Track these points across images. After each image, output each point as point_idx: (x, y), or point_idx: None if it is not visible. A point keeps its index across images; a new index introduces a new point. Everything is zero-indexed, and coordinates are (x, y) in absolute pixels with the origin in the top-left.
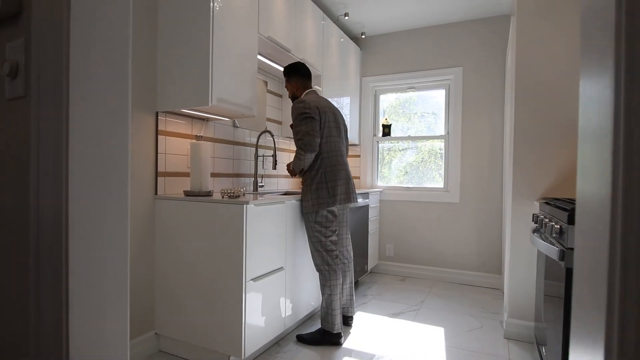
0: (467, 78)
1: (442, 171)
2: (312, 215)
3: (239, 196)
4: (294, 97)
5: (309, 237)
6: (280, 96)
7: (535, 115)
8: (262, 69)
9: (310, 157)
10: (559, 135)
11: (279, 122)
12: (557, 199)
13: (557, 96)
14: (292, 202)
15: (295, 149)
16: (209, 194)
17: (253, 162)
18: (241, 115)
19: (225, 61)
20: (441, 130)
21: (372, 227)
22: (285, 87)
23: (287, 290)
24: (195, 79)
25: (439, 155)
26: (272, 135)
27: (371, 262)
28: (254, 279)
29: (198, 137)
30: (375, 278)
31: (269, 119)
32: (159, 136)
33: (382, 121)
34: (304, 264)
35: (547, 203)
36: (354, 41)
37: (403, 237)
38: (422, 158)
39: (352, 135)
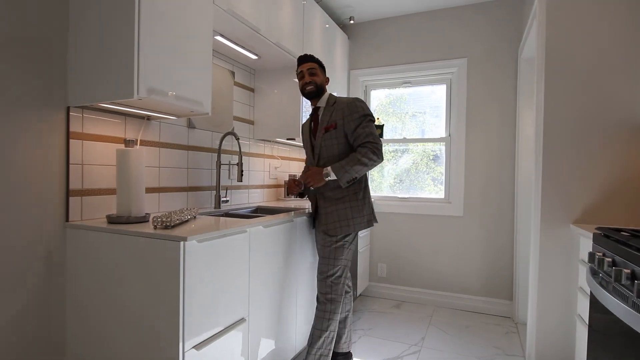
0: (473, 71)
1: (436, 175)
2: (352, 236)
3: (177, 225)
4: (317, 91)
5: (335, 263)
6: (252, 90)
7: (571, 113)
8: (228, 55)
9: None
10: (603, 138)
11: (250, 122)
12: (620, 230)
13: (600, 88)
14: (258, 228)
15: (304, 157)
16: (143, 219)
17: (215, 172)
18: (189, 112)
19: (161, 38)
20: (441, 132)
21: (362, 244)
22: (313, 72)
23: (252, 349)
24: (115, 62)
25: (431, 157)
26: (237, 138)
27: (361, 284)
28: (199, 346)
29: (128, 142)
30: (366, 303)
31: (237, 118)
32: (71, 140)
33: None
34: (278, 306)
35: (606, 236)
36: (341, 28)
37: (398, 255)
38: (414, 160)
39: None
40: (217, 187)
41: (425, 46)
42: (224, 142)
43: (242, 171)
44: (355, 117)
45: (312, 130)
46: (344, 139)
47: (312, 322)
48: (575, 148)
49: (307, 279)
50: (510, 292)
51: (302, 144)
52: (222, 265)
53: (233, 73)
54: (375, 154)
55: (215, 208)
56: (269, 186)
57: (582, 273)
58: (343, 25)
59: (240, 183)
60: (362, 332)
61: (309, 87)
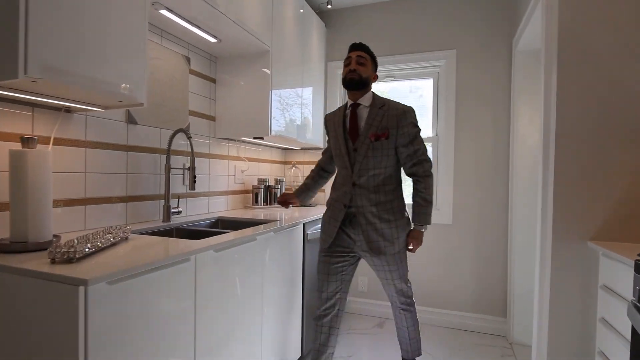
0: (463, 64)
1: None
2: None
3: (89, 254)
4: (359, 83)
5: (405, 269)
6: (213, 81)
7: (588, 112)
8: (182, 37)
9: None
10: (626, 141)
11: (211, 118)
12: None
13: (622, 82)
14: (207, 255)
15: (338, 168)
16: (46, 245)
17: (164, 177)
18: (116, 102)
19: None
20: (427, 132)
21: None
22: (362, 61)
23: None
24: None
25: None
26: (189, 137)
27: None
28: None
29: (27, 141)
30: (346, 322)
31: (194, 113)
32: None
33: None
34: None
35: None
36: (317, 14)
37: None
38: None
39: (315, 137)
40: (166, 196)
41: (410, 36)
42: (179, 141)
43: (194, 177)
44: (410, 129)
45: (346, 129)
46: (393, 152)
47: (406, 332)
48: (593, 152)
49: (276, 313)
50: (503, 309)
51: (272, 143)
52: (153, 312)
53: (188, 59)
54: (432, 177)
55: (164, 221)
56: (234, 192)
57: (604, 301)
58: (320, 11)
59: (196, 191)
60: None
61: (351, 75)
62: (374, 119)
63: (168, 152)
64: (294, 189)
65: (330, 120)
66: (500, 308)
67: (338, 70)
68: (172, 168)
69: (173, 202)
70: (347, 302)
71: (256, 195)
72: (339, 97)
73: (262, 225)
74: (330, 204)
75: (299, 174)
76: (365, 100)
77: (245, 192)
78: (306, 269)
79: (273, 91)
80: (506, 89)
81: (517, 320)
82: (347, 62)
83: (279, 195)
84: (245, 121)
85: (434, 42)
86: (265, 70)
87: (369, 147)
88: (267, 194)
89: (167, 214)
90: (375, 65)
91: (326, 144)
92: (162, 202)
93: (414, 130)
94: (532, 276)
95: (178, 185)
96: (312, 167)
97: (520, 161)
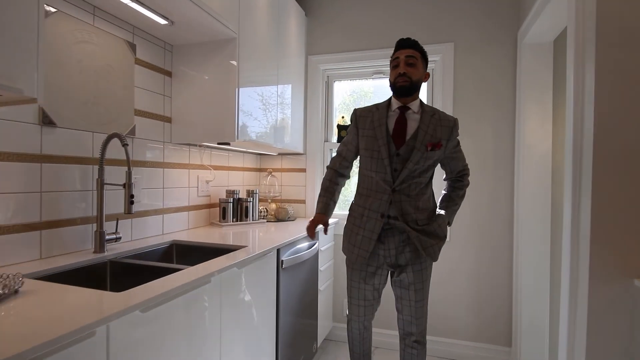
0: (461, 59)
1: None
2: None
3: None
4: (410, 89)
5: (428, 288)
6: (169, 74)
7: (638, 114)
8: (123, 18)
9: None
10: None
11: (166, 119)
12: None
13: None
14: (129, 318)
15: (366, 172)
16: None
17: (95, 194)
18: None
19: None
20: None
21: (324, 280)
22: (412, 62)
23: None
24: None
25: None
26: (124, 144)
27: (323, 327)
28: None
29: None
30: (331, 352)
31: (142, 113)
32: None
33: (337, 120)
34: None
35: None
36: (297, 0)
37: None
38: None
39: (295, 141)
40: (99, 219)
41: (402, 28)
42: (118, 148)
43: (131, 197)
44: (457, 139)
45: (389, 132)
46: (437, 162)
47: None
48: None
49: None
50: (508, 337)
51: (242, 149)
52: None
53: (133, 46)
54: (469, 183)
55: (95, 252)
56: (197, 207)
57: None
58: None
59: (145, 209)
60: None
61: (401, 81)
62: (428, 126)
63: (101, 163)
64: (276, 212)
65: (363, 117)
66: (504, 337)
67: (320, 65)
68: (107, 184)
69: (110, 226)
70: (331, 328)
71: (224, 210)
72: (321, 96)
73: (224, 257)
74: (359, 212)
75: (276, 183)
76: (414, 106)
77: (212, 206)
78: (281, 306)
79: (242, 89)
80: (510, 88)
81: (525, 349)
82: (395, 64)
83: (255, 207)
84: (208, 124)
85: (428, 34)
86: (232, 62)
87: (422, 156)
88: (238, 208)
89: (100, 242)
90: (426, 62)
91: (343, 145)
92: (94, 226)
93: (458, 140)
94: (543, 302)
95: (119, 203)
96: (291, 175)
97: (528, 172)
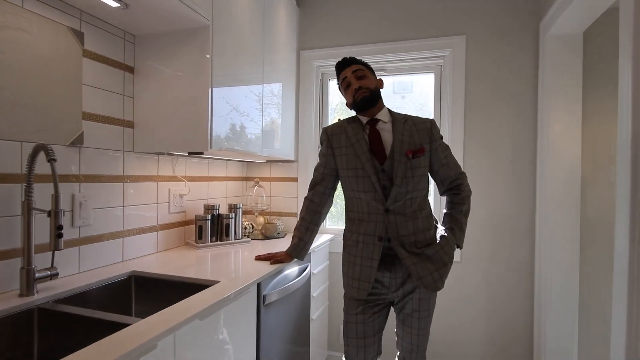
0: (474, 53)
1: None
2: None
3: None
4: (372, 97)
5: (432, 315)
6: (130, 70)
7: None
8: (66, 1)
9: None
10: None
11: (127, 124)
12: None
13: None
14: None
15: (354, 193)
16: None
17: (21, 221)
18: None
19: None
20: None
21: (318, 306)
22: (361, 74)
23: None
24: None
25: None
26: (50, 158)
27: (316, 356)
28: None
29: None
30: None
31: (93, 117)
32: None
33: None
34: None
35: None
36: None
37: None
38: None
39: (284, 147)
40: (26, 252)
41: (407, 19)
42: (69, 159)
43: (59, 228)
44: (442, 142)
45: (371, 149)
46: (427, 170)
47: None
48: None
49: None
50: None
51: (222, 157)
52: None
53: (80, 35)
54: (470, 192)
55: (22, 295)
56: (169, 226)
57: None
58: None
59: (98, 233)
60: None
61: (360, 94)
62: (402, 134)
63: (28, 181)
64: (263, 229)
65: (337, 135)
66: None
67: (314, 61)
68: (38, 209)
69: (45, 259)
70: (327, 357)
71: (200, 229)
72: (315, 96)
73: (193, 297)
74: (353, 240)
75: (263, 194)
76: (383, 116)
77: (187, 223)
78: (263, 352)
79: (218, 89)
80: (531, 86)
81: None
82: (346, 85)
83: (238, 224)
84: (177, 130)
85: (436, 26)
86: (205, 55)
87: (407, 167)
88: (217, 225)
89: (28, 282)
90: (373, 71)
91: (316, 171)
92: (21, 261)
93: (445, 144)
94: (571, 328)
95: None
96: (281, 184)
97: (552, 182)
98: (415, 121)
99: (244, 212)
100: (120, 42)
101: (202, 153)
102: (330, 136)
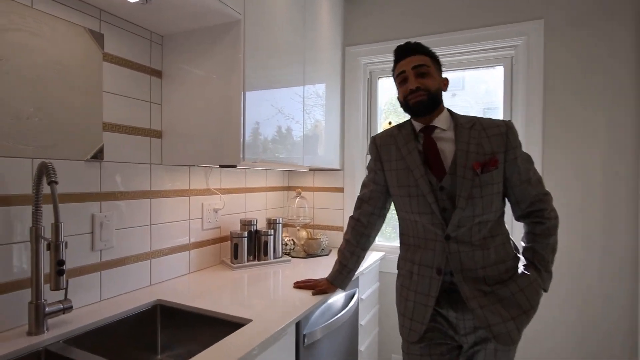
0: (554, 41)
1: None
2: None
3: None
4: (430, 104)
5: None
6: (158, 74)
7: None
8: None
9: None
10: None
11: (155, 134)
12: None
13: None
14: None
15: (408, 215)
16: None
17: (30, 248)
18: None
19: None
20: None
21: (365, 336)
22: (424, 71)
23: None
24: None
25: None
26: (51, 180)
27: None
28: None
29: None
30: None
31: (112, 127)
32: None
33: (382, 126)
34: None
35: None
36: None
37: None
38: None
39: (329, 154)
40: (34, 283)
41: (469, 4)
42: (85, 176)
43: (59, 263)
44: (521, 151)
45: (427, 162)
46: (502, 187)
47: None
48: None
49: None
50: None
51: (259, 167)
52: None
53: (99, 37)
54: (557, 219)
55: (30, 334)
56: (203, 244)
57: None
58: None
59: (123, 255)
60: None
61: (416, 98)
62: (468, 142)
63: (36, 204)
64: (305, 245)
65: (386, 146)
66: None
67: (361, 58)
68: (45, 238)
69: (54, 292)
70: None
71: (236, 247)
72: (363, 97)
73: (222, 343)
74: (407, 270)
75: (306, 205)
76: (442, 121)
77: (223, 239)
78: None
79: (251, 92)
80: (633, 79)
81: None
82: (402, 79)
83: (277, 241)
84: (207, 139)
85: (506, 11)
86: (235, 54)
87: (474, 184)
88: (255, 243)
89: (37, 318)
90: (439, 67)
91: (364, 187)
92: (29, 294)
93: (526, 155)
94: None
95: (79, 251)
96: (325, 195)
97: None
98: (485, 124)
99: (285, 225)
100: (146, 43)
101: (234, 166)
102: (379, 147)
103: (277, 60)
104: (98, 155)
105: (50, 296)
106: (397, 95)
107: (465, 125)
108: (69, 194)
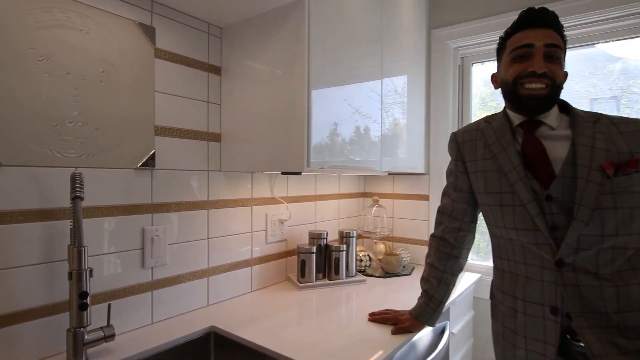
0: None
1: None
2: None
3: None
4: (550, 98)
5: None
6: (216, 71)
7: None
8: None
9: None
10: None
11: (212, 137)
12: None
13: None
14: None
15: (503, 231)
16: None
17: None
18: None
19: None
20: None
21: None
22: (554, 54)
23: None
24: None
25: None
26: (77, 195)
27: None
28: None
29: None
30: None
31: (165, 131)
32: None
33: (466, 125)
34: None
35: None
36: None
37: None
38: None
39: (411, 156)
40: (73, 309)
41: None
42: (133, 188)
43: (82, 296)
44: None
45: (527, 165)
46: None
47: None
48: None
49: None
50: None
51: (329, 172)
52: None
53: (151, 31)
54: None
55: None
56: (266, 259)
57: None
58: None
59: (176, 273)
60: None
61: (537, 85)
62: (593, 138)
63: (75, 219)
64: (383, 262)
65: (470, 143)
66: None
67: (451, 42)
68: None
69: (100, 313)
70: None
71: (303, 264)
72: (453, 88)
73: None
74: (508, 307)
75: (384, 215)
76: (551, 118)
77: (290, 253)
78: None
79: (318, 90)
80: None
81: None
82: (522, 54)
83: (351, 258)
84: (268, 142)
85: None
86: (298, 42)
87: (602, 190)
88: (325, 259)
89: (76, 348)
90: (565, 52)
91: (445, 197)
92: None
93: None
94: None
95: (128, 269)
96: (407, 203)
97: None
98: (616, 121)
99: (359, 236)
100: (203, 37)
101: (299, 173)
102: (461, 144)
103: (348, 48)
104: (149, 163)
105: (94, 320)
106: (497, 75)
107: (587, 118)
108: (116, 206)
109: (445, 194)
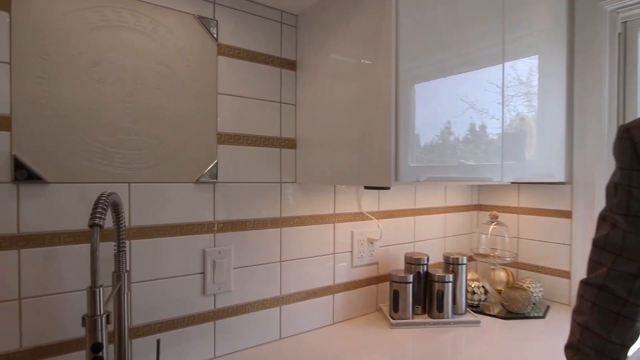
0: None
1: None
2: None
3: None
4: None
5: None
6: (291, 66)
7: None
8: None
9: None
10: None
11: (287, 143)
12: None
13: None
14: None
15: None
16: None
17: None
18: None
19: None
20: None
21: None
22: None
23: None
24: None
25: None
26: (95, 223)
27: None
28: None
29: None
30: None
31: (229, 138)
32: None
33: None
34: None
35: None
36: None
37: None
38: None
39: (544, 159)
40: (117, 340)
41: None
42: (200, 199)
43: (95, 349)
44: None
45: None
46: None
47: None
48: None
49: None
50: None
51: (461, 183)
52: None
53: (213, 24)
54: None
55: None
56: (352, 285)
57: None
58: None
59: (244, 298)
60: None
61: None
62: None
63: (91, 252)
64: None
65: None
66: None
67: (607, 5)
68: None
69: (148, 346)
70: None
71: (396, 295)
72: (610, 67)
73: None
74: None
75: (506, 235)
76: None
77: (381, 279)
78: None
79: (411, 82)
80: None
81: None
82: None
83: (460, 291)
84: (347, 150)
85: None
86: (383, 22)
87: None
88: (425, 290)
89: None
90: None
91: (610, 219)
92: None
93: None
94: None
95: (187, 296)
96: (538, 221)
97: None
98: None
99: (471, 258)
100: (275, 27)
101: (388, 188)
102: (638, 144)
103: (454, 30)
104: (211, 175)
105: (145, 355)
106: None
107: None
108: (173, 225)
109: (605, 219)
